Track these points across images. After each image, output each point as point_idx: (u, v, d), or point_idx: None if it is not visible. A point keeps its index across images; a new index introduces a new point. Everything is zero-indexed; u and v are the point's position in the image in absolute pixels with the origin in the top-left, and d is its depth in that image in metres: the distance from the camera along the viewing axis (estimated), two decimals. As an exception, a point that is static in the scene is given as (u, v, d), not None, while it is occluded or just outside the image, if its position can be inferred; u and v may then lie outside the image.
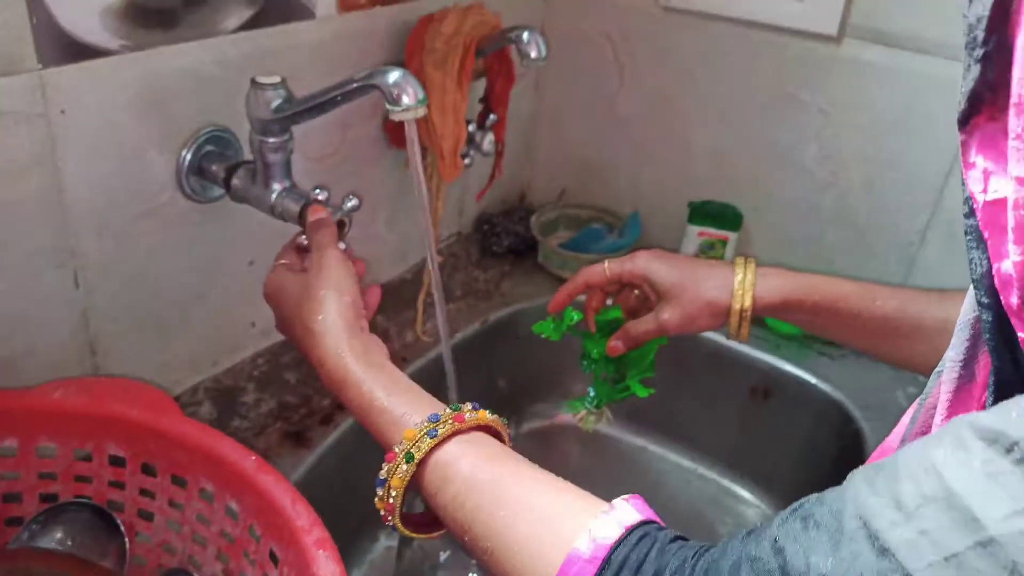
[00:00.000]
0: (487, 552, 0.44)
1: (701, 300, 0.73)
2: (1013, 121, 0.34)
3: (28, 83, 0.62)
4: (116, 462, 0.61)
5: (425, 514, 0.53)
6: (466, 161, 0.94)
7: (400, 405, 0.51)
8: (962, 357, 0.44)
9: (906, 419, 0.51)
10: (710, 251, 1.11)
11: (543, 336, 0.80)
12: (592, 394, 0.81)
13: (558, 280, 1.14)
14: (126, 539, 0.61)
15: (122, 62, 0.67)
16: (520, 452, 0.79)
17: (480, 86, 0.99)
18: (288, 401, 0.88)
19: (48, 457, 0.61)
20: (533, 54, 0.83)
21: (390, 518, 0.50)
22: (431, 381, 0.89)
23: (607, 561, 0.38)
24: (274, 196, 0.72)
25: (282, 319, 0.63)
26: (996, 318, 0.39)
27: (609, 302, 0.81)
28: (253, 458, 0.56)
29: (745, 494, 1.09)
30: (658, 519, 0.42)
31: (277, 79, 0.69)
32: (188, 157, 0.75)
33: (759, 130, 1.07)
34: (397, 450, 0.49)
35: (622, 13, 1.11)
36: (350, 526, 0.92)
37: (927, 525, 0.30)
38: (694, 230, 1.11)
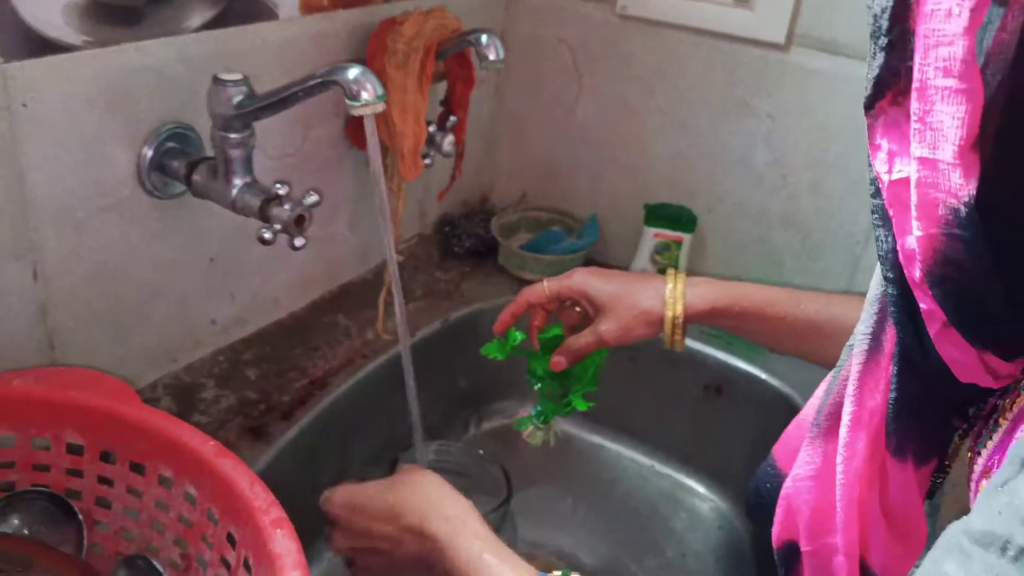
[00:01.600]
0: None
1: (636, 310, 0.76)
2: (915, 104, 0.37)
3: (-10, 76, 0.62)
4: (74, 450, 0.61)
5: None
6: (427, 161, 0.96)
7: (509, 559, 0.55)
8: (871, 330, 0.47)
9: (820, 391, 0.54)
10: (665, 252, 1.14)
11: (490, 357, 0.83)
12: (539, 410, 0.84)
13: (518, 281, 1.16)
14: (84, 527, 0.62)
15: (84, 58, 0.68)
16: (488, 464, 0.81)
17: (441, 89, 1.01)
18: (248, 397, 0.89)
19: (5, 446, 0.61)
20: (491, 56, 0.85)
21: None
22: (390, 379, 0.91)
23: None
24: (235, 191, 0.74)
25: (363, 509, 0.64)
26: (900, 292, 0.42)
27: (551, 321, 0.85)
28: (211, 443, 0.57)
29: (700, 488, 1.12)
30: None
31: (239, 76, 0.70)
32: (149, 153, 0.76)
33: (712, 135, 1.11)
34: None
35: (580, 20, 1.14)
36: (309, 521, 0.92)
37: None
38: (650, 232, 1.14)
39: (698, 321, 0.78)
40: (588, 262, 1.19)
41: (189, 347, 0.90)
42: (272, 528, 0.52)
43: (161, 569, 0.60)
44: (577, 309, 0.82)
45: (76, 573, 0.54)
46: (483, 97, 1.21)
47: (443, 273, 1.17)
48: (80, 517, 0.61)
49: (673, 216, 1.14)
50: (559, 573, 0.53)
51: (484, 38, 0.85)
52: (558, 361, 0.79)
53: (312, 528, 0.96)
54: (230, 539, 0.56)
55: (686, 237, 1.13)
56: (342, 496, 0.65)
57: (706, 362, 1.08)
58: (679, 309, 0.76)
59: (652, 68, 1.11)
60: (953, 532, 0.34)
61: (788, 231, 1.10)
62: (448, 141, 0.98)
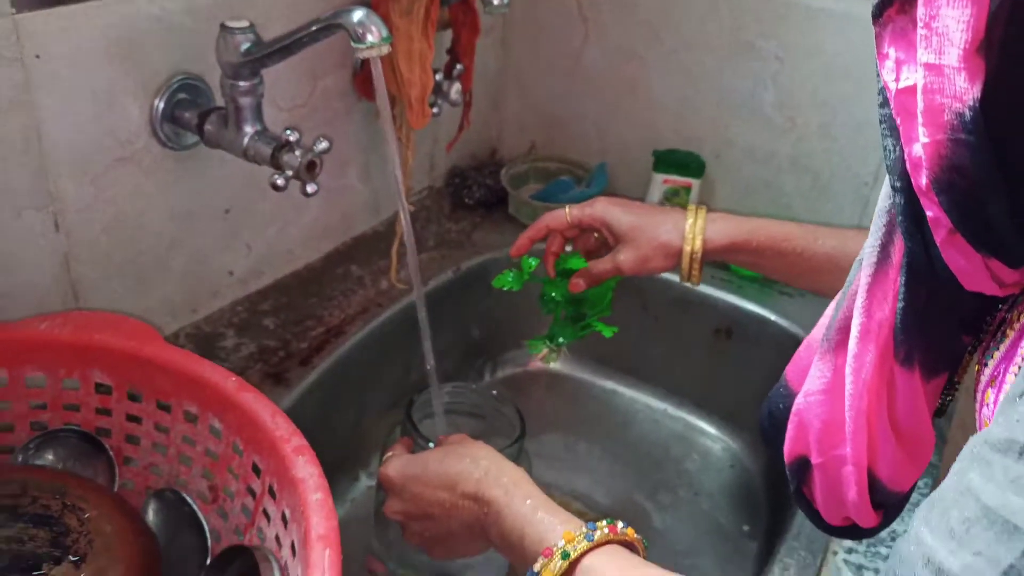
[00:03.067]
0: None
1: (655, 242, 0.77)
2: (921, 9, 0.37)
3: (3, 27, 0.64)
4: (103, 390, 0.63)
5: None
6: (434, 110, 0.97)
7: (559, 515, 0.57)
8: (879, 242, 0.48)
9: (829, 310, 0.54)
10: (674, 198, 1.14)
11: (504, 289, 0.84)
12: (552, 333, 0.85)
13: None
14: (115, 463, 0.64)
15: (93, 9, 0.69)
16: (501, 405, 0.83)
17: (447, 38, 1.01)
18: (267, 345, 0.91)
19: (37, 387, 0.63)
20: (495, 1, 0.85)
21: None
22: (405, 327, 0.93)
23: None
24: (246, 139, 0.75)
25: (419, 478, 0.65)
26: (907, 201, 0.43)
27: (568, 248, 0.85)
28: (233, 379, 0.59)
29: (711, 430, 1.13)
30: None
31: (246, 23, 0.71)
32: (161, 105, 0.77)
33: (719, 79, 1.11)
34: (554, 548, 0.53)
35: (585, -33, 1.14)
36: (330, 464, 0.94)
37: (978, 546, 0.33)
38: (659, 178, 1.14)
39: (716, 256, 0.78)
40: (598, 210, 1.20)
41: (208, 297, 0.92)
42: (294, 455, 0.54)
43: (190, 500, 0.62)
44: (596, 235, 0.83)
45: (106, 499, 0.57)
46: (489, 48, 1.21)
47: (454, 224, 1.18)
48: (111, 454, 0.64)
49: (681, 162, 1.14)
50: (605, 522, 0.55)
51: (488, -17, 0.85)
52: (577, 282, 0.80)
53: (334, 472, 0.99)
54: (255, 469, 0.58)
55: (695, 182, 1.14)
56: (397, 464, 0.67)
57: (716, 305, 1.09)
58: (698, 244, 0.76)
59: (657, 12, 1.11)
60: (975, 442, 0.36)
61: (797, 173, 1.10)
62: (455, 89, 0.98)
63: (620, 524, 0.55)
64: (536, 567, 0.53)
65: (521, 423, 0.81)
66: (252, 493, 0.59)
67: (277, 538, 0.56)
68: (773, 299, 1.07)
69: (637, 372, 1.18)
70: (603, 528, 0.54)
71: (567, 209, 0.82)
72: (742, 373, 1.08)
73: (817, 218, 1.10)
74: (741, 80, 1.09)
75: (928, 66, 0.37)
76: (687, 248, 0.76)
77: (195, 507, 0.62)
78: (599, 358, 1.19)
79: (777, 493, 1.01)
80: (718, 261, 0.81)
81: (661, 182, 1.14)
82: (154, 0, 0.73)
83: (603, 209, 0.80)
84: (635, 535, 0.56)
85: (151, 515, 0.63)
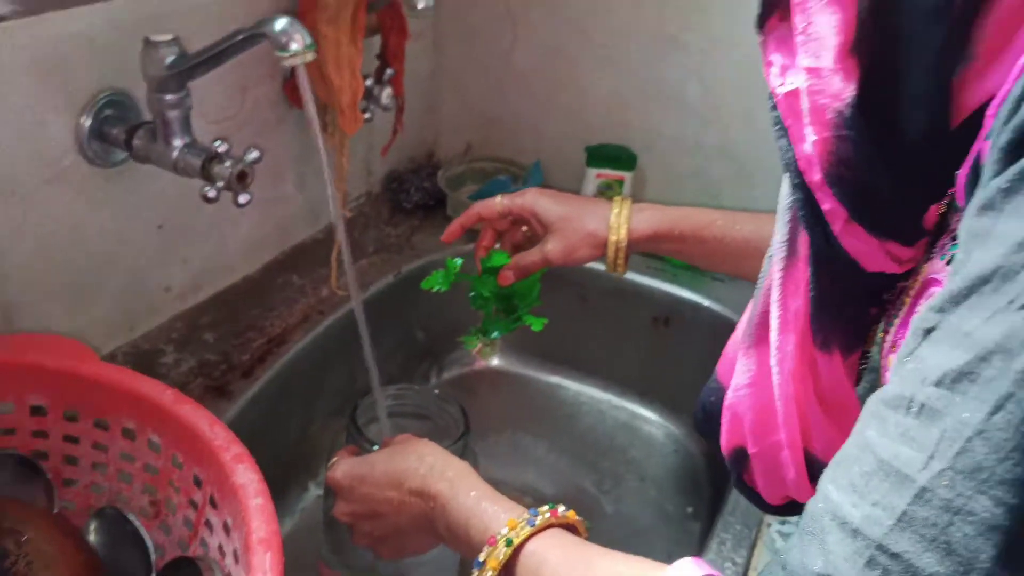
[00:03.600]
0: None
1: (582, 232, 0.80)
2: (798, 18, 0.40)
3: (-83, 50, 0.63)
4: (38, 412, 0.63)
5: None
6: (366, 115, 0.98)
7: (503, 503, 0.58)
8: (786, 238, 0.50)
9: (749, 307, 0.57)
10: (608, 191, 1.17)
11: (433, 290, 0.85)
12: (485, 327, 0.87)
13: (468, 231, 1.18)
14: (53, 486, 0.64)
15: (13, 27, 0.69)
16: (445, 403, 0.84)
17: (376, 43, 1.02)
18: (208, 359, 0.91)
19: (-31, 413, 0.63)
20: (420, 5, 0.87)
21: None
22: (348, 334, 0.94)
23: None
24: (175, 153, 0.75)
25: (366, 478, 0.66)
26: (805, 196, 0.46)
27: (497, 246, 0.87)
28: (170, 392, 0.60)
29: (654, 417, 1.16)
30: (716, 572, 0.46)
31: (169, 36, 0.71)
32: (88, 122, 0.76)
33: (646, 73, 1.13)
34: (498, 536, 0.54)
35: (510, -32, 1.16)
36: (278, 475, 0.95)
37: (876, 496, 0.35)
38: (592, 173, 1.17)
39: (641, 246, 0.81)
40: (535, 207, 1.22)
41: (146, 315, 0.91)
42: (234, 463, 0.54)
43: (132, 517, 0.62)
44: (524, 229, 0.85)
45: (45, 521, 0.56)
46: (420, 52, 1.22)
47: (393, 228, 1.19)
48: (48, 476, 0.63)
49: (613, 156, 1.17)
50: (546, 507, 0.56)
51: (412, -12, 0.86)
52: (506, 275, 0.82)
53: (281, 482, 0.99)
54: (195, 480, 0.59)
55: (627, 175, 1.17)
56: (344, 467, 0.68)
57: (653, 295, 1.12)
58: (623, 233, 0.79)
59: (584, 10, 1.13)
60: (871, 402, 0.38)
61: (724, 162, 1.14)
62: (386, 94, 0.99)
63: (561, 508, 0.56)
64: (481, 556, 0.54)
65: (465, 420, 0.83)
66: (194, 505, 0.59)
67: (220, 547, 0.56)
68: (707, 286, 1.10)
69: (580, 365, 1.20)
70: (544, 513, 0.55)
71: (499, 198, 0.84)
72: (681, 359, 1.11)
73: (745, 204, 1.12)
74: (667, 73, 1.12)
75: (808, 69, 0.40)
76: (612, 237, 0.79)
77: (137, 524, 0.62)
78: (542, 353, 1.21)
79: (717, 475, 1.04)
80: (645, 251, 0.84)
81: (595, 176, 1.17)
82: (76, 17, 0.73)
83: (533, 199, 0.82)
84: (576, 517, 0.57)
85: (92, 534, 0.63)
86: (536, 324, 0.83)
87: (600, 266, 1.14)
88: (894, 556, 0.34)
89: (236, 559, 0.53)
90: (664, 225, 0.79)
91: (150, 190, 0.85)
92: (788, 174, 0.46)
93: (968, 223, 0.35)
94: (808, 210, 0.46)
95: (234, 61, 0.74)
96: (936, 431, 0.33)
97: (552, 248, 0.80)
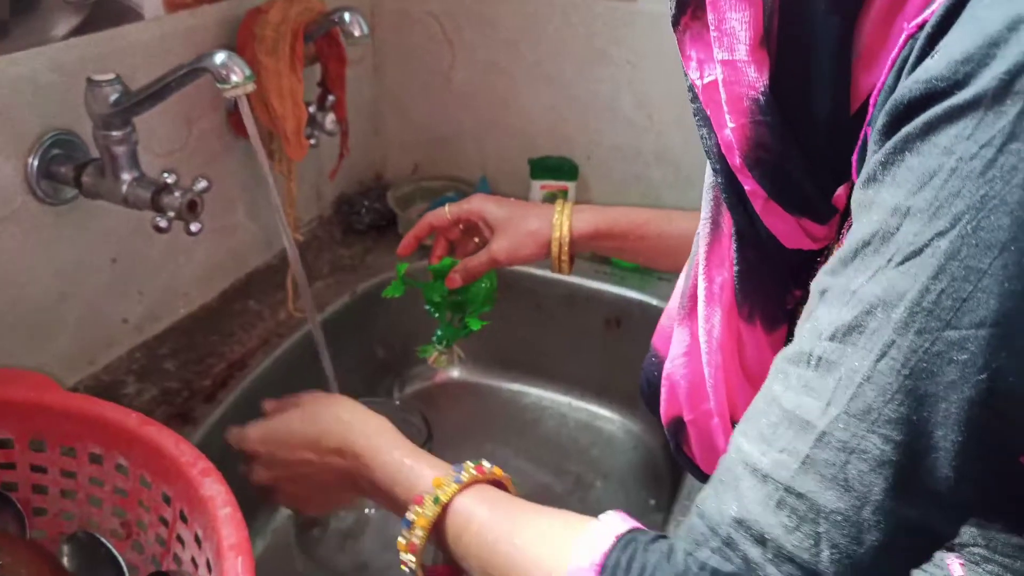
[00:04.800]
0: None
1: (525, 230, 0.83)
2: (711, 15, 0.44)
3: None
4: (3, 444, 0.64)
5: (443, 566, 0.58)
6: (312, 142, 1.00)
7: (426, 460, 0.59)
8: (710, 216, 0.54)
9: (681, 281, 0.61)
10: (553, 201, 1.20)
11: (395, 296, 0.88)
12: (439, 335, 0.90)
13: (420, 248, 1.21)
14: (24, 516, 0.65)
15: (-44, 74, 0.70)
16: (407, 413, 0.86)
17: (317, 71, 1.05)
18: (170, 387, 0.92)
19: (-66, 450, 0.64)
20: (356, 32, 0.90)
21: (410, 563, 0.55)
22: (308, 354, 0.96)
23: (603, 567, 0.45)
24: (125, 187, 0.77)
25: (285, 443, 0.66)
26: (727, 179, 0.49)
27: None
28: (134, 415, 0.61)
29: (613, 415, 1.20)
30: (640, 525, 0.49)
31: (111, 75, 0.74)
32: (35, 162, 0.78)
33: (581, 86, 1.18)
34: (425, 496, 0.55)
35: (443, -8, 1.20)
36: (246, 497, 0.96)
37: (782, 444, 0.39)
38: (536, 184, 1.21)
39: (584, 244, 0.84)
40: (484, 221, 1.25)
41: (104, 347, 0.93)
42: (201, 477, 0.57)
43: (104, 540, 0.63)
44: (475, 240, 0.88)
45: (19, 546, 0.58)
46: (362, 76, 1.25)
47: (347, 249, 1.21)
48: (19, 507, 0.65)
49: (555, 167, 1.21)
50: (471, 463, 0.57)
51: (347, 16, 0.90)
52: (453, 278, 0.85)
53: (251, 504, 1.00)
54: (164, 498, 0.60)
55: (570, 185, 1.21)
56: (260, 431, 0.68)
57: (603, 298, 1.16)
58: (565, 231, 0.83)
59: (516, 29, 1.18)
60: (777, 360, 0.42)
61: (661, 167, 1.18)
62: (330, 119, 1.02)
63: (486, 464, 0.57)
64: (410, 516, 0.55)
65: (427, 428, 0.85)
66: (164, 522, 0.61)
67: (193, 560, 0.58)
68: (654, 286, 1.14)
69: (539, 370, 1.23)
70: (470, 469, 0.56)
71: (447, 207, 0.87)
72: (634, 358, 1.14)
73: (685, 205, 1.16)
74: (601, 85, 1.17)
75: (724, 63, 0.44)
76: (555, 235, 0.83)
77: (109, 546, 0.63)
78: (502, 362, 1.24)
79: (676, 466, 1.07)
80: (587, 251, 0.87)
81: (539, 188, 1.21)
82: (17, 61, 0.75)
83: (479, 203, 0.86)
84: (503, 474, 0.58)
85: (66, 560, 0.64)
86: (474, 324, 0.86)
87: (552, 273, 1.18)
88: (800, 496, 0.38)
89: (209, 568, 0.55)
90: (604, 223, 0.83)
91: (102, 225, 0.87)
92: (710, 160, 0.50)
93: (855, 196, 0.39)
94: (730, 191, 0.49)
95: (178, 95, 0.76)
96: (832, 381, 0.37)
97: (497, 248, 0.83)
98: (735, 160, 0.47)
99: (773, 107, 0.44)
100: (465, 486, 0.55)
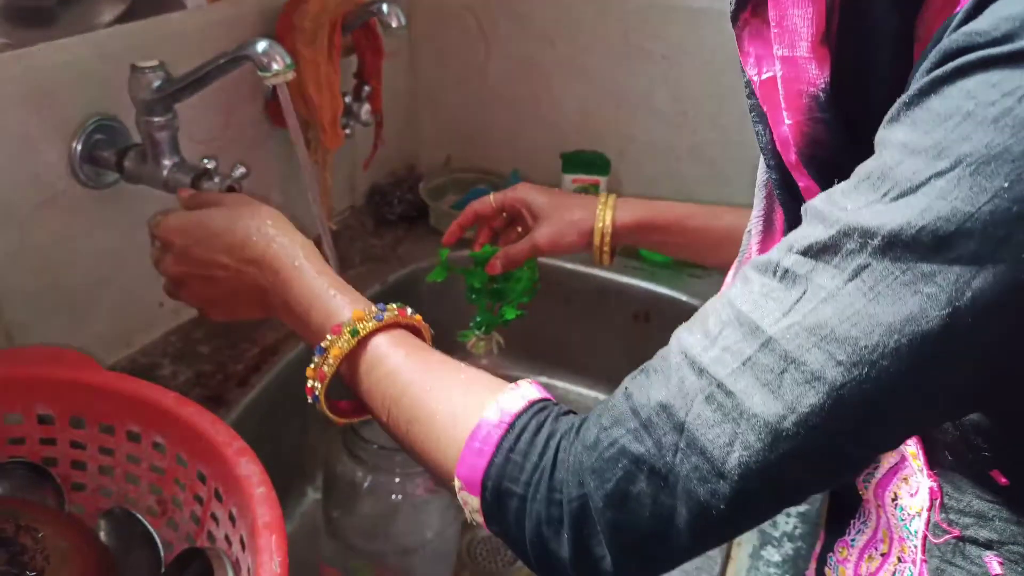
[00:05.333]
0: (411, 422, 0.50)
1: (569, 219, 0.83)
2: (772, 12, 0.44)
3: (-82, 83, 0.66)
4: (45, 420, 0.66)
5: (349, 402, 0.58)
6: (347, 132, 1.01)
7: (349, 293, 0.57)
8: (762, 213, 0.54)
9: (728, 278, 0.61)
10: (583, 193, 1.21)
11: (439, 281, 0.89)
12: (478, 321, 0.90)
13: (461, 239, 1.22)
14: (63, 490, 0.67)
15: (6, 59, 0.72)
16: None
17: (353, 62, 1.06)
18: (204, 370, 0.94)
19: (-21, 425, 0.65)
20: (394, 23, 0.91)
21: (316, 389, 0.54)
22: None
23: (511, 426, 0.46)
24: (166, 172, 0.78)
25: (202, 241, 0.62)
26: (781, 176, 0.49)
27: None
28: (172, 395, 0.63)
29: (640, 411, 1.20)
30: (551, 396, 0.50)
31: (155, 62, 0.75)
32: (79, 147, 0.80)
33: (615, 81, 1.18)
34: (344, 326, 0.53)
35: (480, -14, 1.20)
36: (275, 481, 0.98)
37: (727, 343, 0.39)
38: (568, 179, 1.21)
39: (626, 235, 0.84)
40: (515, 214, 1.26)
41: (141, 330, 0.94)
42: (237, 457, 0.58)
43: (140, 516, 0.65)
44: (518, 229, 0.88)
45: (58, 518, 0.59)
46: (398, 69, 1.26)
47: (378, 240, 1.22)
48: (58, 481, 0.66)
49: (588, 162, 1.21)
50: (395, 305, 0.55)
51: (385, 7, 0.91)
52: (494, 264, 0.85)
53: (280, 489, 1.02)
54: (200, 476, 0.62)
55: (602, 180, 1.21)
56: (178, 222, 0.64)
57: (632, 292, 1.15)
58: (608, 221, 0.82)
59: (551, 23, 1.18)
60: (743, 269, 0.42)
61: (694, 163, 1.18)
62: (365, 110, 1.03)
63: (410, 309, 0.56)
64: (324, 344, 0.53)
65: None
66: (199, 500, 0.62)
67: (226, 537, 0.59)
68: (684, 282, 1.14)
69: (567, 363, 1.24)
70: (393, 310, 0.55)
71: (491, 196, 0.87)
72: (663, 354, 1.15)
73: (718, 202, 1.16)
74: (635, 80, 1.16)
75: (783, 59, 0.44)
76: (598, 225, 0.82)
77: (145, 523, 0.65)
78: (530, 353, 1.24)
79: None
80: (629, 244, 0.87)
81: (571, 182, 1.21)
82: (64, 48, 0.76)
83: (524, 191, 0.86)
84: (424, 323, 0.57)
85: (103, 535, 0.65)
86: (510, 313, 0.87)
87: (583, 267, 1.18)
88: (730, 394, 0.38)
89: (243, 546, 0.56)
90: (648, 215, 0.83)
91: (142, 209, 0.88)
92: (764, 156, 0.50)
93: (876, 136, 0.39)
94: (784, 188, 0.49)
95: (218, 84, 0.78)
96: (795, 293, 0.38)
97: (540, 235, 0.83)
98: (790, 157, 0.47)
99: (832, 104, 0.44)
100: (386, 325, 0.54)
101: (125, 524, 0.65)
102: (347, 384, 0.56)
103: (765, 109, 0.47)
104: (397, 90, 1.27)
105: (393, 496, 0.85)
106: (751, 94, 0.48)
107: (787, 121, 0.45)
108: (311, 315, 0.56)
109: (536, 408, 0.47)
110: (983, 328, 0.34)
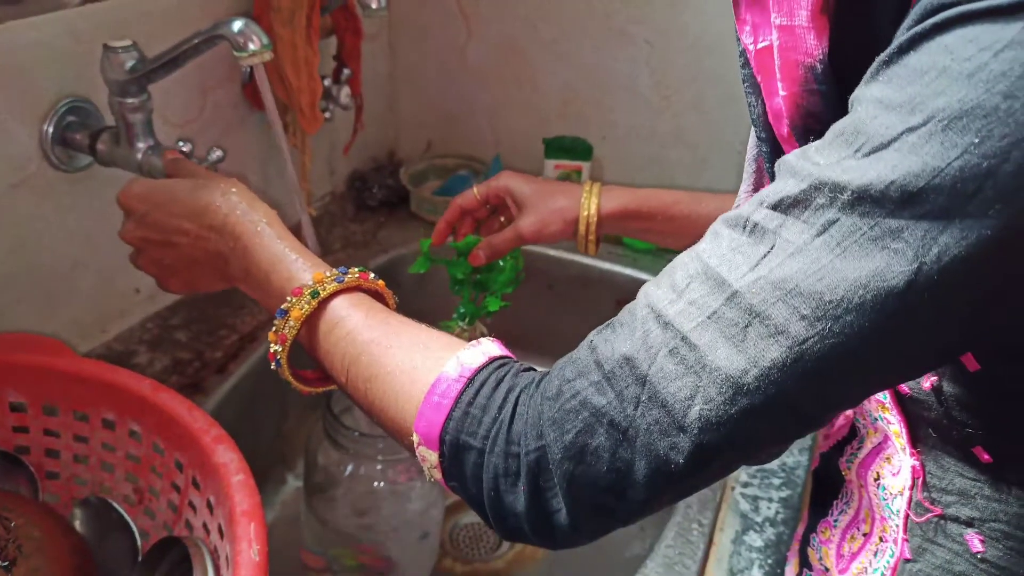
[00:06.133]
0: (369, 380, 0.49)
1: (553, 207, 0.82)
2: None
3: None
4: (17, 408, 0.65)
5: (314, 372, 0.58)
6: (326, 115, 1.00)
7: (311, 258, 0.56)
8: (751, 187, 0.54)
9: None
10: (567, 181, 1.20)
11: (421, 272, 0.88)
12: (461, 312, 0.89)
13: (431, 225, 1.21)
14: (36, 479, 0.65)
15: (-28, 37, 0.70)
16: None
17: (332, 44, 1.04)
18: (182, 357, 0.92)
19: (-52, 413, 0.64)
20: (373, 5, 0.89)
21: (278, 353, 0.53)
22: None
23: (471, 380, 0.45)
24: (140, 155, 0.77)
25: (164, 206, 0.62)
26: (772, 149, 0.49)
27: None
28: (147, 382, 0.61)
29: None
30: (512, 355, 0.49)
31: (128, 42, 0.73)
32: (50, 129, 0.78)
33: (597, 65, 1.17)
34: (304, 288, 0.52)
35: (461, -32, 1.19)
36: (257, 469, 0.97)
37: (693, 296, 0.39)
38: (550, 164, 1.20)
39: (611, 224, 0.83)
40: (496, 200, 1.25)
41: (117, 316, 0.93)
42: (214, 444, 0.57)
43: (116, 505, 0.64)
44: (502, 219, 0.87)
45: (31, 507, 0.58)
46: (377, 52, 1.25)
47: (359, 225, 1.21)
48: (31, 470, 0.65)
49: (569, 147, 1.20)
50: (357, 269, 0.54)
51: (364, -12, 0.89)
52: (476, 255, 0.84)
53: (260, 476, 1.00)
54: (177, 464, 0.61)
55: (585, 165, 1.20)
56: (142, 188, 0.63)
57: (615, 279, 1.15)
58: (593, 209, 0.81)
59: (533, 6, 1.17)
60: (714, 223, 0.42)
61: (677, 148, 1.17)
62: (344, 93, 1.02)
63: (372, 274, 0.55)
64: (285, 306, 0.53)
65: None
66: (176, 488, 0.61)
67: (204, 525, 0.58)
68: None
69: (551, 350, 1.22)
70: (354, 273, 0.54)
71: (475, 188, 0.86)
72: (645, 340, 1.15)
73: (700, 187, 1.17)
74: (618, 64, 1.16)
75: (781, 28, 0.43)
76: (583, 213, 0.81)
77: (121, 511, 0.64)
78: (514, 341, 1.22)
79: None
80: (615, 232, 0.86)
81: (553, 168, 1.20)
82: (34, 25, 0.74)
83: (507, 180, 0.85)
84: (387, 289, 0.56)
85: (78, 524, 0.64)
86: (493, 304, 0.86)
87: (566, 254, 1.17)
88: (693, 347, 0.38)
89: (221, 534, 0.55)
90: (633, 203, 0.82)
91: (116, 193, 0.86)
92: (755, 129, 0.49)
93: (853, 94, 0.38)
94: (774, 162, 0.49)
95: (193, 65, 0.76)
96: (763, 247, 0.38)
97: (523, 224, 0.82)
98: (783, 129, 0.46)
99: (829, 75, 0.43)
100: (347, 287, 0.53)
101: (101, 513, 0.64)
102: (307, 348, 0.55)
103: (759, 79, 0.46)
104: (376, 73, 1.25)
105: (375, 483, 0.85)
106: (745, 63, 0.47)
107: (781, 92, 0.44)
108: (272, 279, 0.55)
109: (497, 364, 0.46)
110: (948, 286, 0.34)
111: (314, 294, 0.52)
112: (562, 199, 0.83)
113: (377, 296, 0.56)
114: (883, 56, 0.36)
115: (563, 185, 0.85)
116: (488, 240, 0.84)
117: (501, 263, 0.87)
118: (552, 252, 1.15)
